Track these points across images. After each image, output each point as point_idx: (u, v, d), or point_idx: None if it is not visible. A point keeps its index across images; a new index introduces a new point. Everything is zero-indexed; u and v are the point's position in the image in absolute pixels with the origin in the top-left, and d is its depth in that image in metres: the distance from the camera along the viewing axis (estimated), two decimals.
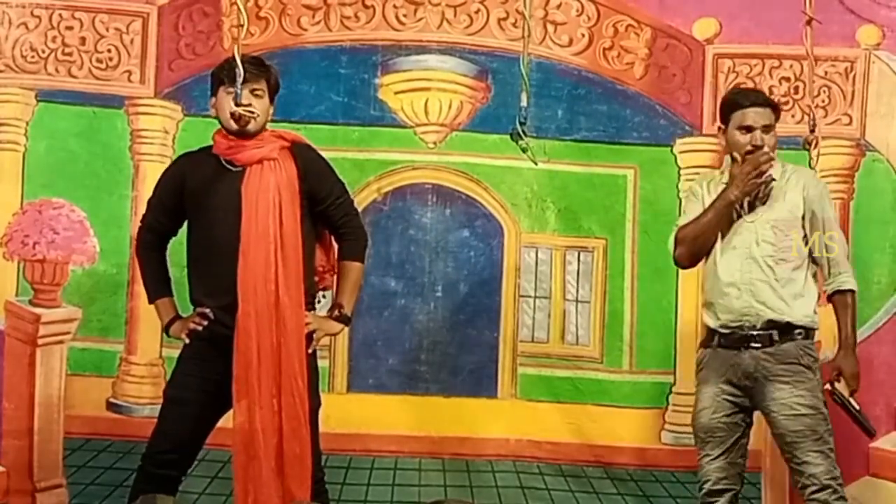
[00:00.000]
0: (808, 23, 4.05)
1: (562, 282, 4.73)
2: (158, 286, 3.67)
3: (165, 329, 3.65)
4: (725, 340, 3.65)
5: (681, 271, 4.64)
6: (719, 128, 3.81)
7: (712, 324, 3.69)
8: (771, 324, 3.60)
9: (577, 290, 4.73)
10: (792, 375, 3.58)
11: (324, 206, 3.62)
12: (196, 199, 3.53)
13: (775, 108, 3.75)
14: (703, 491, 3.68)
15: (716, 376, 3.67)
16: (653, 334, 4.67)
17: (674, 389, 4.67)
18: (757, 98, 3.76)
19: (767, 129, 3.68)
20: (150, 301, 3.69)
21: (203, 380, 3.50)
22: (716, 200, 3.67)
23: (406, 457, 4.62)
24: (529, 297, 4.72)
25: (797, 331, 3.62)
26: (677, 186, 4.69)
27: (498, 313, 4.70)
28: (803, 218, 3.67)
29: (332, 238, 3.72)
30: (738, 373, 3.63)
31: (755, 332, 3.60)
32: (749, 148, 3.66)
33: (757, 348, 3.60)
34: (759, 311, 3.60)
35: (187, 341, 3.54)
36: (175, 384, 3.58)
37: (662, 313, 4.67)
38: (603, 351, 4.71)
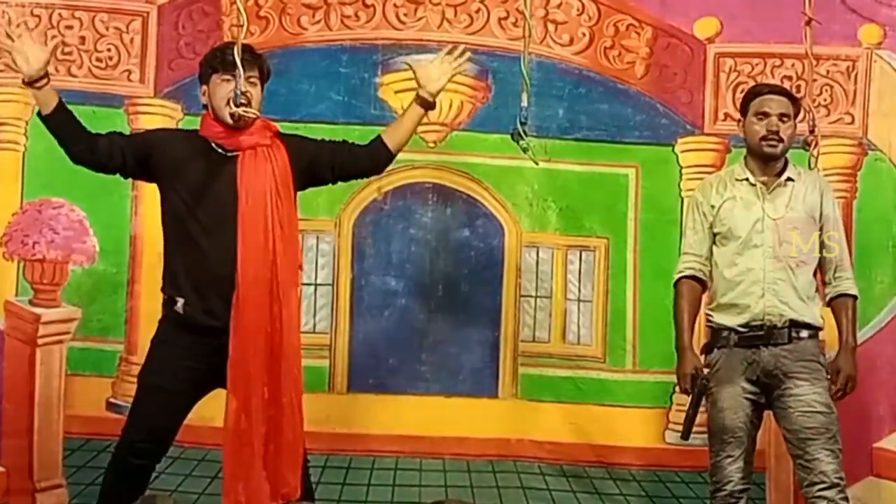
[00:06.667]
0: (808, 23, 4.05)
1: (563, 281, 4.72)
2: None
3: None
4: (743, 339, 3.63)
5: None
6: (738, 121, 3.81)
7: (730, 323, 3.66)
8: (791, 322, 3.60)
9: (579, 290, 4.71)
10: (811, 373, 3.58)
11: (322, 150, 3.62)
12: (183, 175, 3.45)
13: (794, 101, 3.73)
14: (724, 493, 3.62)
15: (735, 375, 3.63)
16: (656, 333, 4.61)
17: (678, 389, 4.63)
18: (775, 87, 3.78)
19: (785, 118, 3.66)
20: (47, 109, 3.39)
21: (183, 368, 3.42)
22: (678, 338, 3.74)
23: (407, 457, 4.59)
24: (531, 296, 4.70)
25: (812, 330, 3.64)
26: (679, 185, 4.69)
27: (499, 313, 4.68)
28: (820, 220, 3.68)
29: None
30: (758, 370, 3.61)
31: (776, 330, 3.59)
32: (764, 133, 3.64)
33: (777, 345, 3.59)
34: (782, 311, 3.59)
35: None
36: (153, 371, 3.46)
37: (665, 312, 4.56)
38: (606, 350, 4.69)
